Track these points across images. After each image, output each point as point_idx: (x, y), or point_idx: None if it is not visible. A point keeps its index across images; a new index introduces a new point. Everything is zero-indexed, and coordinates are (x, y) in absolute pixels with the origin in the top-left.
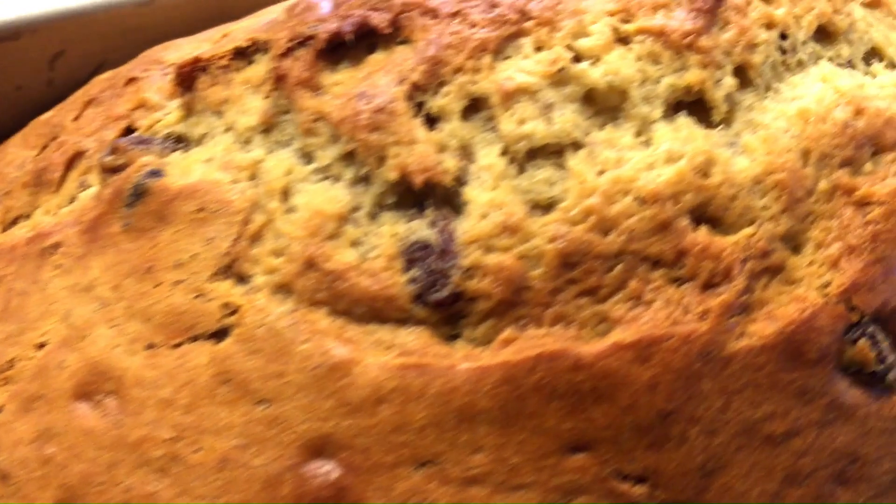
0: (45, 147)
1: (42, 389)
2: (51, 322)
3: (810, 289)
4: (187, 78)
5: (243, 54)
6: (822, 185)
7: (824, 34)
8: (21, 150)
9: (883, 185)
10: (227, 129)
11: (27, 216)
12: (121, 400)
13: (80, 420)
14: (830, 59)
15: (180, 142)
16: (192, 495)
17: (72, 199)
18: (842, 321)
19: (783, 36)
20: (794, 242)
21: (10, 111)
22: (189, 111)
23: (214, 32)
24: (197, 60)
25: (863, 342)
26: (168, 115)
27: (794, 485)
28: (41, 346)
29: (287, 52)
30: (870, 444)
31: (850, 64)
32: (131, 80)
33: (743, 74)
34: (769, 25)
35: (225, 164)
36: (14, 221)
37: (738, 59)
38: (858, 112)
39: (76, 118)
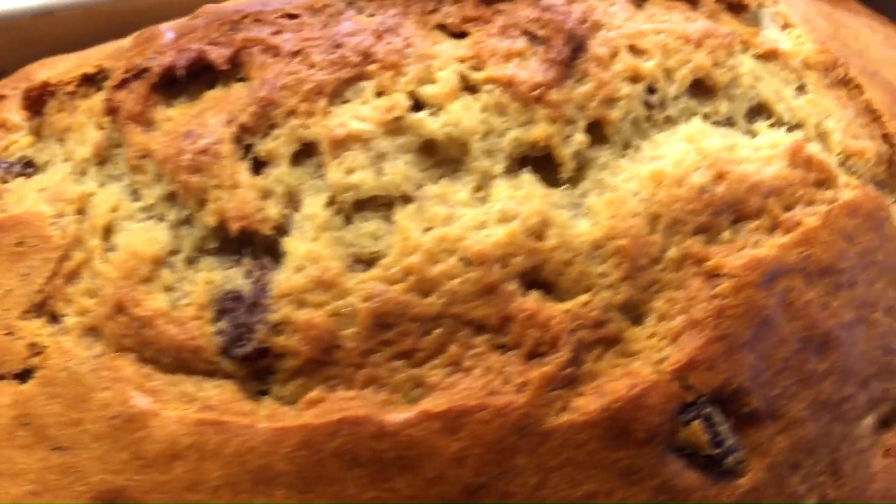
0: None
1: None
2: None
3: (646, 363)
4: (36, 102)
5: (92, 80)
6: (672, 252)
7: (702, 89)
8: None
9: (737, 256)
10: (67, 159)
11: None
12: None
13: None
14: (706, 116)
15: (29, 166)
16: None
17: None
18: (675, 400)
19: (651, 90)
20: (634, 313)
21: None
22: (38, 136)
23: (85, 53)
24: (45, 84)
25: (697, 424)
26: (22, 139)
27: None
28: None
29: (122, 84)
30: None
31: (729, 121)
32: (2, 97)
33: (598, 130)
34: (635, 79)
35: (55, 195)
36: None
37: (593, 115)
38: (720, 176)
39: None
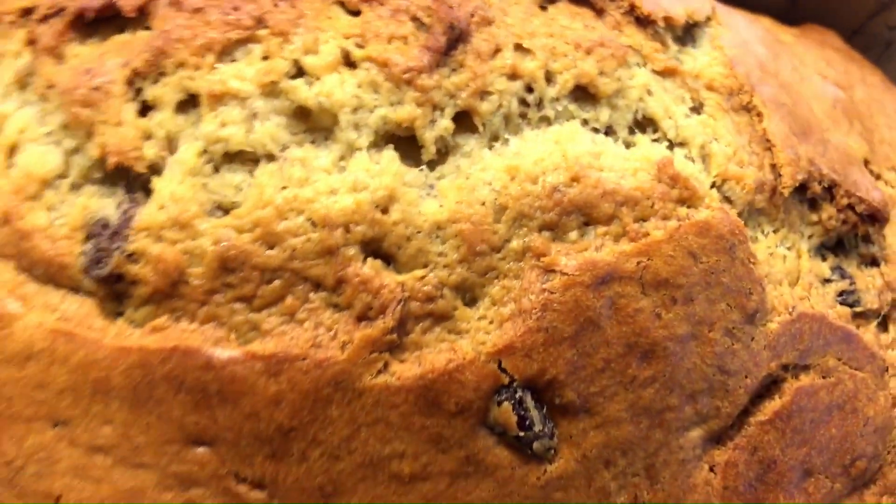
0: None
1: None
2: None
3: (470, 343)
4: None
5: (29, 13)
6: (514, 244)
7: (586, 95)
8: None
9: (575, 256)
10: None
11: None
12: None
13: None
14: (585, 122)
15: None
16: None
17: None
18: (490, 380)
19: (529, 89)
20: (469, 294)
21: None
22: None
23: None
24: None
25: (507, 405)
26: None
27: None
28: None
29: (43, 19)
30: None
31: (609, 130)
32: None
33: (467, 120)
34: (513, 76)
35: None
36: None
37: (462, 104)
38: (575, 179)
39: None
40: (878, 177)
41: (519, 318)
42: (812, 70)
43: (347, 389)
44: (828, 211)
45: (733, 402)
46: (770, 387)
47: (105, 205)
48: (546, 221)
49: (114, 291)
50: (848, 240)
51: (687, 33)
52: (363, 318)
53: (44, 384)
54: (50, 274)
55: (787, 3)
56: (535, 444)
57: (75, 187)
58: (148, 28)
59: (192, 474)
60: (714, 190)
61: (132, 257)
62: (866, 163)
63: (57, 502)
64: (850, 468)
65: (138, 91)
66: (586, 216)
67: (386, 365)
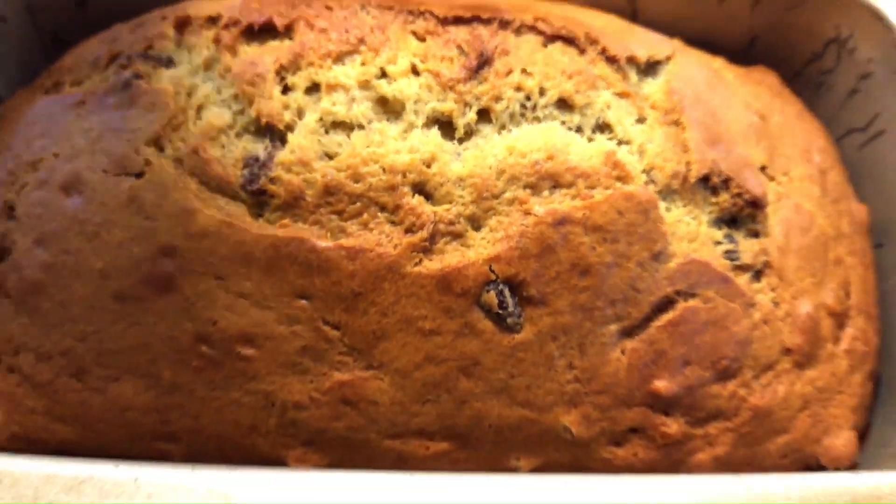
0: (109, 44)
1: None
2: (64, 143)
3: (473, 253)
4: (181, 26)
5: (213, 20)
6: (507, 195)
7: (565, 104)
8: (97, 44)
9: (544, 206)
10: (189, 62)
11: (83, 82)
12: (83, 194)
13: (58, 201)
14: (563, 123)
15: (171, 62)
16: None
17: (105, 80)
18: (483, 276)
19: (528, 98)
20: (476, 223)
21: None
22: (178, 45)
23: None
24: (188, 17)
25: (492, 293)
26: (170, 45)
27: (432, 364)
28: (55, 155)
29: (226, 26)
30: (488, 357)
31: (578, 129)
32: (164, 17)
33: (485, 114)
34: (518, 89)
35: (178, 82)
36: (78, 83)
37: (484, 104)
38: (549, 157)
39: (131, 32)
40: (771, 178)
41: (505, 240)
42: (740, 101)
43: (395, 273)
44: (723, 196)
45: (640, 310)
46: (667, 304)
47: (257, 147)
48: (528, 182)
49: (258, 201)
50: (741, 218)
51: (649, 67)
52: (409, 230)
53: (213, 252)
54: (220, 186)
55: (745, 47)
56: (508, 320)
57: (238, 135)
58: (291, 38)
59: (297, 316)
60: (644, 174)
61: (272, 181)
62: (763, 168)
63: (214, 325)
64: (717, 364)
65: (282, 78)
66: (555, 181)
67: (420, 260)
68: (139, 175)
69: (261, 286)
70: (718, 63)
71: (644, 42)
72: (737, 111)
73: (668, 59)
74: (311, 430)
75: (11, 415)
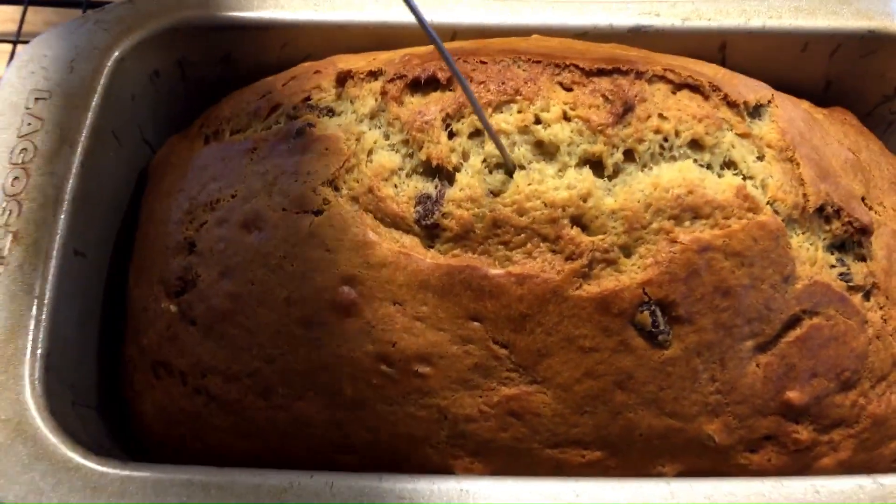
0: (262, 97)
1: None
2: (240, 185)
3: (627, 277)
4: (342, 79)
5: (374, 74)
6: (654, 225)
7: (697, 144)
8: (251, 95)
9: (688, 235)
10: (353, 112)
11: (244, 130)
12: (264, 231)
13: (240, 237)
14: (695, 161)
15: (331, 112)
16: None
17: (268, 128)
18: (637, 298)
19: (665, 139)
20: (627, 251)
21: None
22: (339, 97)
23: (371, 54)
24: (349, 72)
25: (646, 313)
26: (328, 96)
27: (591, 378)
28: (233, 196)
29: (391, 80)
30: (640, 371)
31: (708, 166)
32: (317, 72)
33: (630, 154)
34: (657, 132)
35: (346, 129)
36: (238, 131)
37: (628, 146)
38: (690, 192)
39: (283, 85)
40: (870, 208)
41: (655, 266)
42: (833, 139)
43: (559, 296)
44: (836, 224)
45: (772, 328)
46: (795, 322)
47: (427, 186)
48: (672, 214)
49: (431, 233)
50: (849, 244)
51: (756, 110)
52: (569, 258)
53: (391, 280)
54: (395, 221)
55: (822, 91)
56: (659, 337)
57: (408, 175)
58: (453, 90)
59: (469, 336)
60: (769, 206)
61: (444, 215)
62: (863, 199)
63: (394, 346)
64: (840, 375)
65: (448, 125)
66: (695, 213)
67: (580, 285)
68: (318, 213)
69: (436, 310)
70: (806, 105)
71: (748, 87)
72: (833, 147)
73: (770, 102)
74: (479, 441)
75: (197, 432)
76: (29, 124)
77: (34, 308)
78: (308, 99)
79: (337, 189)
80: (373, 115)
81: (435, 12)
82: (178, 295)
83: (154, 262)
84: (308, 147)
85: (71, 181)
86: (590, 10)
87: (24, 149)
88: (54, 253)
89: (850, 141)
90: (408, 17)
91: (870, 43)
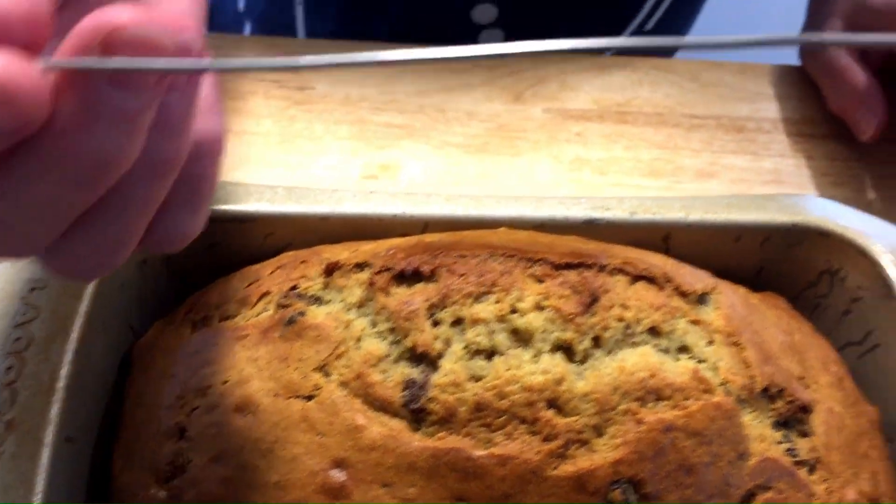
0: (249, 284)
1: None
2: (232, 371)
3: (599, 456)
4: (329, 270)
5: (360, 266)
6: (622, 407)
7: (655, 331)
8: (239, 282)
9: (652, 415)
10: (342, 301)
11: (233, 316)
12: (255, 415)
13: (232, 422)
14: (655, 346)
15: (318, 300)
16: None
17: (258, 314)
18: (610, 477)
19: (628, 327)
20: (599, 431)
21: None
22: (326, 286)
23: (353, 245)
24: (337, 263)
25: (618, 491)
26: (315, 285)
27: None
28: (224, 382)
29: (379, 272)
30: None
31: (666, 351)
32: (303, 262)
33: (597, 341)
34: (620, 319)
35: (335, 317)
36: (227, 317)
37: (596, 333)
38: (652, 375)
39: (270, 273)
40: (807, 387)
41: (625, 445)
42: (770, 322)
43: (539, 476)
44: (780, 403)
45: (731, 502)
46: (750, 496)
47: (413, 372)
48: (638, 396)
49: (417, 417)
50: (792, 421)
51: (702, 298)
52: (546, 439)
53: (380, 463)
54: (383, 406)
55: (754, 276)
56: None
57: (395, 362)
58: (436, 282)
59: None
60: (721, 387)
61: (430, 400)
62: (801, 378)
63: None
64: None
65: (432, 314)
66: (658, 395)
67: (557, 465)
68: (309, 398)
69: (423, 491)
70: (742, 291)
71: (694, 276)
72: (771, 331)
73: (714, 289)
74: None
75: None
76: (24, 313)
77: (32, 499)
78: (295, 287)
79: (327, 375)
80: (360, 304)
81: (408, 206)
82: (168, 480)
83: (143, 447)
84: (300, 334)
85: (64, 368)
86: (547, 204)
87: (19, 337)
88: (48, 441)
89: (784, 324)
90: (384, 210)
91: (794, 234)
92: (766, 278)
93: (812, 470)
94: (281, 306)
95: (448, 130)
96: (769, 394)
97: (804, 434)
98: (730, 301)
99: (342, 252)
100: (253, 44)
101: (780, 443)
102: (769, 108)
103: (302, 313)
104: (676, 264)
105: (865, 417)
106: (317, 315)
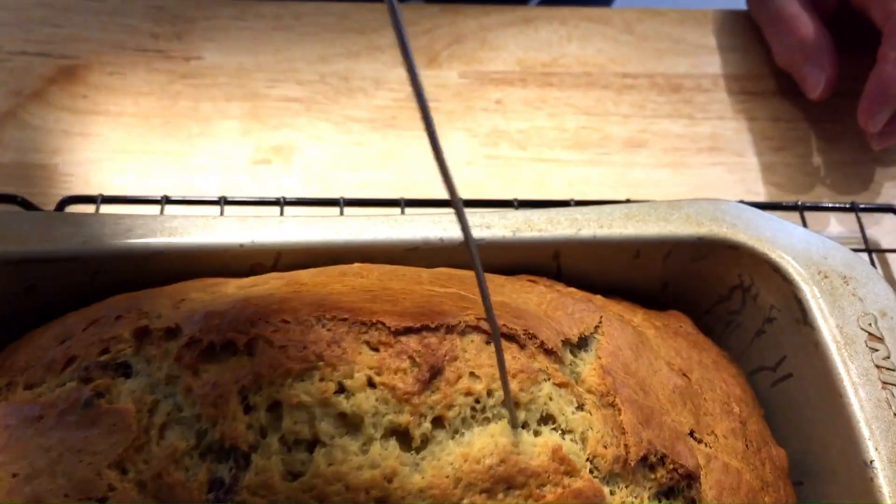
0: (60, 343)
1: None
2: (23, 462)
3: None
4: (139, 335)
5: (171, 332)
6: (465, 502)
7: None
8: (50, 340)
9: None
10: (149, 375)
11: (38, 385)
12: None
13: None
14: (511, 421)
15: (128, 369)
16: None
17: (62, 384)
18: None
19: (477, 401)
20: None
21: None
22: (136, 352)
23: (177, 291)
24: (146, 328)
25: None
26: (127, 349)
27: None
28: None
29: (187, 345)
30: None
31: (525, 425)
32: (119, 317)
33: (439, 421)
34: (468, 393)
35: (139, 398)
36: (32, 385)
37: (437, 413)
38: (502, 461)
39: (83, 330)
40: (699, 440)
41: None
42: (663, 362)
43: None
44: (660, 472)
45: None
46: None
47: (221, 469)
48: (484, 487)
49: None
50: (678, 488)
51: (581, 342)
52: None
53: None
54: None
55: (659, 292)
56: None
57: (202, 455)
58: (252, 356)
59: None
60: (588, 462)
61: (238, 502)
62: (692, 432)
63: None
64: None
65: (244, 398)
66: (508, 484)
67: None
68: (102, 500)
69: None
70: (638, 318)
71: (573, 318)
72: (662, 376)
73: (597, 328)
74: None
75: None
76: None
77: None
78: (106, 351)
79: (125, 472)
80: (168, 381)
81: (257, 233)
82: None
83: None
84: (96, 421)
85: None
86: (421, 224)
87: None
88: None
89: (681, 360)
90: (230, 239)
91: (700, 248)
92: (672, 294)
93: None
94: (83, 381)
95: (351, 103)
96: (648, 463)
97: (691, 501)
98: (615, 344)
99: (164, 304)
100: None
101: None
102: (710, 63)
103: (100, 394)
104: (558, 299)
105: (769, 464)
106: (120, 393)
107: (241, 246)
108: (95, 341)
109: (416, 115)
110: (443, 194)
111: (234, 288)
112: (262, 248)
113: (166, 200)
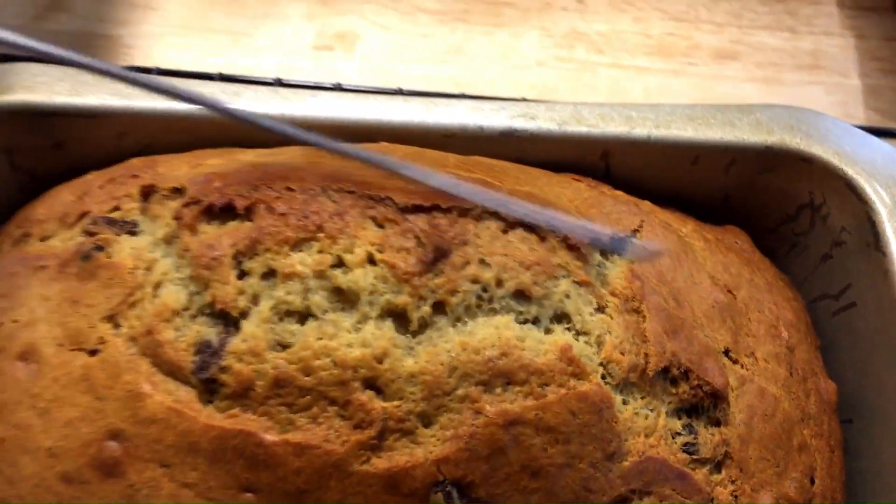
0: (77, 198)
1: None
2: (23, 309)
3: (423, 451)
4: (146, 193)
5: (177, 191)
6: (459, 392)
7: (522, 296)
8: (68, 195)
9: (495, 405)
10: (152, 233)
11: (50, 238)
12: (38, 366)
13: (13, 371)
14: (519, 314)
15: (135, 227)
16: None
17: (68, 240)
18: (431, 476)
19: (484, 289)
20: (426, 420)
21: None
22: (143, 212)
23: (196, 157)
24: (152, 186)
25: (440, 494)
26: (136, 208)
27: None
28: (14, 321)
29: (186, 204)
30: None
31: (535, 321)
32: (134, 176)
33: (441, 307)
34: (475, 281)
35: (138, 256)
36: (46, 238)
37: (439, 297)
38: (503, 354)
39: (100, 187)
40: (735, 360)
41: (455, 440)
42: (706, 275)
43: (342, 471)
44: (683, 388)
45: None
46: (621, 502)
47: (210, 332)
48: (481, 380)
49: (209, 388)
50: (702, 407)
51: (617, 243)
52: (358, 426)
53: (159, 440)
54: (171, 371)
55: (720, 204)
56: None
57: (193, 317)
58: (251, 220)
59: None
60: (600, 368)
61: (223, 369)
62: (727, 351)
63: None
64: None
65: (239, 262)
66: (508, 379)
67: (368, 458)
68: (93, 352)
69: (206, 477)
70: (688, 229)
71: (610, 215)
72: (702, 289)
73: (635, 232)
74: None
75: None
76: None
77: None
78: (117, 208)
79: (117, 326)
80: (167, 241)
81: (287, 105)
82: None
83: None
84: (95, 274)
85: None
86: (459, 111)
87: None
88: None
89: (729, 276)
90: (257, 109)
91: (768, 159)
92: (734, 207)
93: (718, 468)
94: (88, 234)
95: None
96: (670, 376)
97: (716, 422)
98: (655, 246)
99: (180, 166)
100: None
101: (678, 433)
102: None
103: (100, 247)
104: (595, 197)
105: (815, 397)
106: (122, 250)
107: (270, 117)
108: (108, 199)
109: (490, 10)
110: (509, 95)
111: (252, 155)
112: (291, 121)
113: (220, 77)
